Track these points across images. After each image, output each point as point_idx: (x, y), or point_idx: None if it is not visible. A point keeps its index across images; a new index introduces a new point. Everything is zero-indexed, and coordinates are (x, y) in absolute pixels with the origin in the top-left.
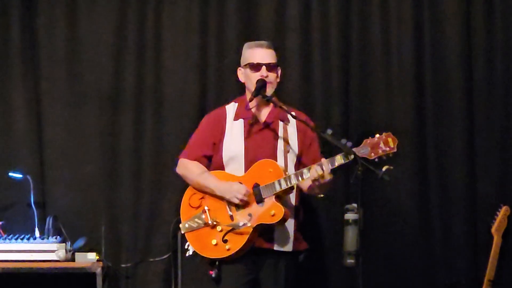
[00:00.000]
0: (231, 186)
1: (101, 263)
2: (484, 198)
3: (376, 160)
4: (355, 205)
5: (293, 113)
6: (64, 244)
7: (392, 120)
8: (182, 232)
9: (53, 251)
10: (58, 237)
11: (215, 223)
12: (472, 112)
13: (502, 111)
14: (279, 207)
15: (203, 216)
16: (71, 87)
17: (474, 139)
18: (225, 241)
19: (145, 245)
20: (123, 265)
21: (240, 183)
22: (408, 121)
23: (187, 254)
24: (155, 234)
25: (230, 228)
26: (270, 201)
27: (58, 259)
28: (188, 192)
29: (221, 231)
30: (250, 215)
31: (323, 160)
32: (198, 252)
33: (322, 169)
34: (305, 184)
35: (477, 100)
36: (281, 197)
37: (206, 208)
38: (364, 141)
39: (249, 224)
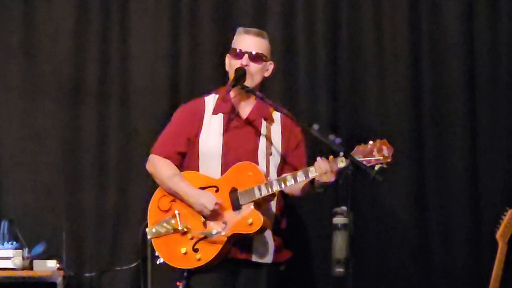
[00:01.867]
0: (200, 198)
1: (62, 272)
2: (487, 201)
3: (368, 170)
4: (344, 208)
5: (279, 109)
6: (21, 250)
7: (385, 116)
8: (149, 237)
9: (8, 258)
10: (14, 242)
11: (185, 229)
12: (474, 108)
13: (506, 107)
14: (258, 216)
15: (173, 221)
16: (26, 77)
17: (477, 136)
18: (195, 250)
19: (111, 252)
20: (86, 274)
21: (217, 188)
22: (403, 116)
23: (157, 262)
24: (122, 240)
25: (202, 236)
26: (248, 208)
27: (14, 267)
28: (158, 193)
29: (192, 238)
30: (225, 222)
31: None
32: (165, 261)
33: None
34: (296, 187)
35: (479, 95)
36: (260, 204)
37: (176, 212)
38: (356, 147)
39: (223, 233)
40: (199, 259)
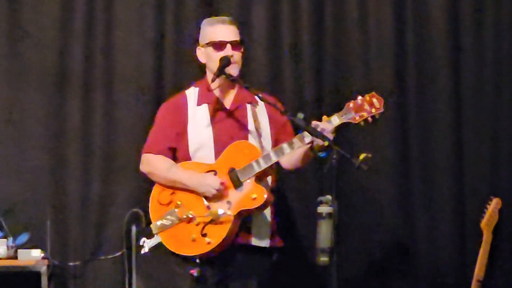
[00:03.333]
0: (204, 179)
1: (46, 261)
2: (472, 189)
3: (362, 123)
4: (329, 197)
5: (260, 95)
6: (5, 240)
7: None
8: (155, 232)
9: None
10: None
11: (190, 216)
12: (459, 96)
13: (491, 96)
14: (261, 189)
15: (176, 211)
16: (11, 65)
17: (461, 124)
18: (204, 235)
19: (96, 241)
20: (70, 264)
21: (215, 171)
22: (388, 104)
23: (142, 251)
24: (106, 229)
25: (208, 219)
26: (250, 184)
27: None
28: (156, 189)
29: (198, 224)
30: (229, 202)
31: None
32: (176, 252)
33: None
34: (295, 158)
35: (465, 84)
36: (261, 179)
37: (178, 202)
38: (346, 104)
39: (229, 212)
40: (209, 243)
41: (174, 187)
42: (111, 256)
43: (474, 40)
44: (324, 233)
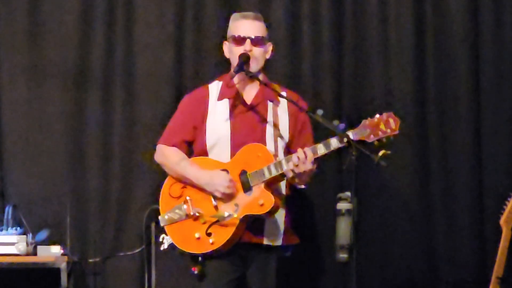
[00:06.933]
0: (212, 178)
1: (66, 258)
2: (491, 186)
3: (376, 143)
4: (348, 193)
5: (284, 93)
6: (25, 236)
7: (389, 100)
8: (162, 224)
9: (12, 244)
10: (19, 228)
11: (197, 214)
12: (478, 93)
13: (511, 93)
14: (269, 196)
15: (185, 207)
16: (32, 62)
17: (480, 120)
18: (208, 234)
19: (115, 237)
20: (90, 260)
21: (227, 170)
22: (407, 101)
23: (162, 248)
24: (126, 226)
25: (215, 220)
26: (258, 189)
27: (18, 252)
28: (168, 181)
29: (204, 223)
30: (236, 205)
31: (306, 148)
32: (179, 247)
33: (305, 156)
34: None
35: (484, 79)
36: (271, 185)
37: (187, 198)
38: (363, 122)
39: (235, 215)
40: (212, 243)
41: (184, 182)
42: (130, 253)
43: (493, 39)
44: (343, 230)
